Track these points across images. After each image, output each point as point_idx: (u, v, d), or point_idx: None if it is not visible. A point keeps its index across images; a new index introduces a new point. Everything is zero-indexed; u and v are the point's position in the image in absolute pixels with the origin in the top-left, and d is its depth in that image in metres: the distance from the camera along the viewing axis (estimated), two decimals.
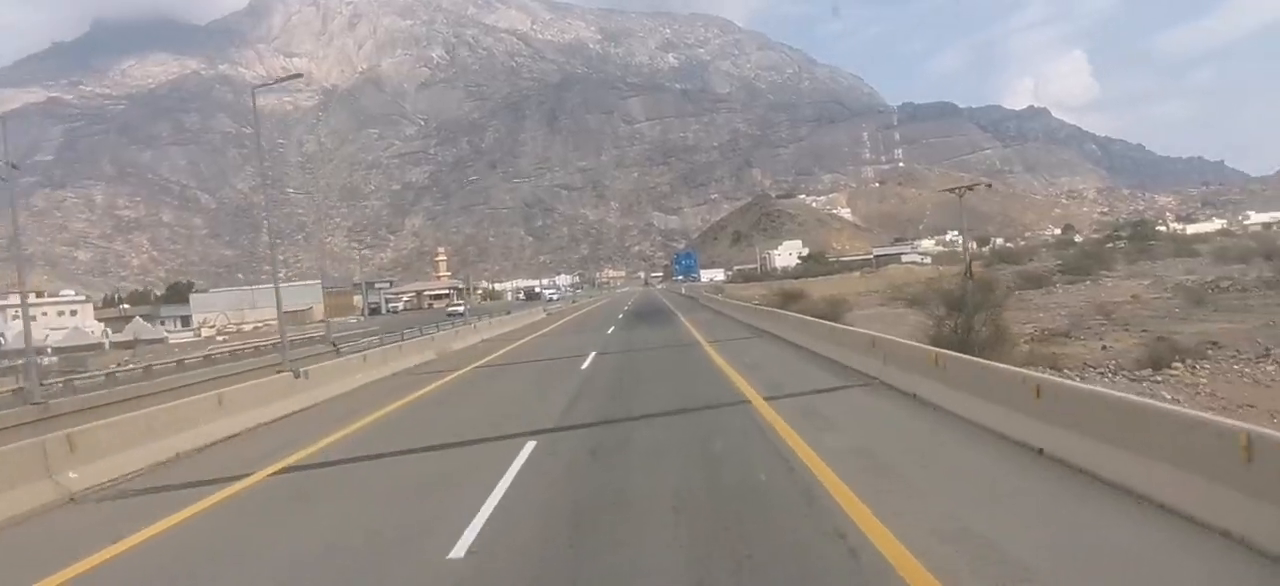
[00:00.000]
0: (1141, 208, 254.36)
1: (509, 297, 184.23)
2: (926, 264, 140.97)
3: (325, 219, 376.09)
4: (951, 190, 42.29)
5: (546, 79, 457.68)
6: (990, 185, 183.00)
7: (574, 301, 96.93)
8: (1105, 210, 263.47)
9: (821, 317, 27.77)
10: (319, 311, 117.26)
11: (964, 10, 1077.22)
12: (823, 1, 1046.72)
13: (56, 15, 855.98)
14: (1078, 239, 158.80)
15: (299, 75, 49.03)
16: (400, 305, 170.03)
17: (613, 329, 37.31)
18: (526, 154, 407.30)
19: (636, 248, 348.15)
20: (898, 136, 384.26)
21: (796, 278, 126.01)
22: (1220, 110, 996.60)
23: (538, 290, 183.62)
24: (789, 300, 49.04)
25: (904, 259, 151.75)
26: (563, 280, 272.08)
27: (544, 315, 60.30)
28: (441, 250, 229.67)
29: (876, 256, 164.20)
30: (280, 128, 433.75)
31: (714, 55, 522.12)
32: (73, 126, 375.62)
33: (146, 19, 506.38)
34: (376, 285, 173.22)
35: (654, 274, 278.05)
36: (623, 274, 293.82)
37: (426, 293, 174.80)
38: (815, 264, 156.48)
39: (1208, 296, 45.64)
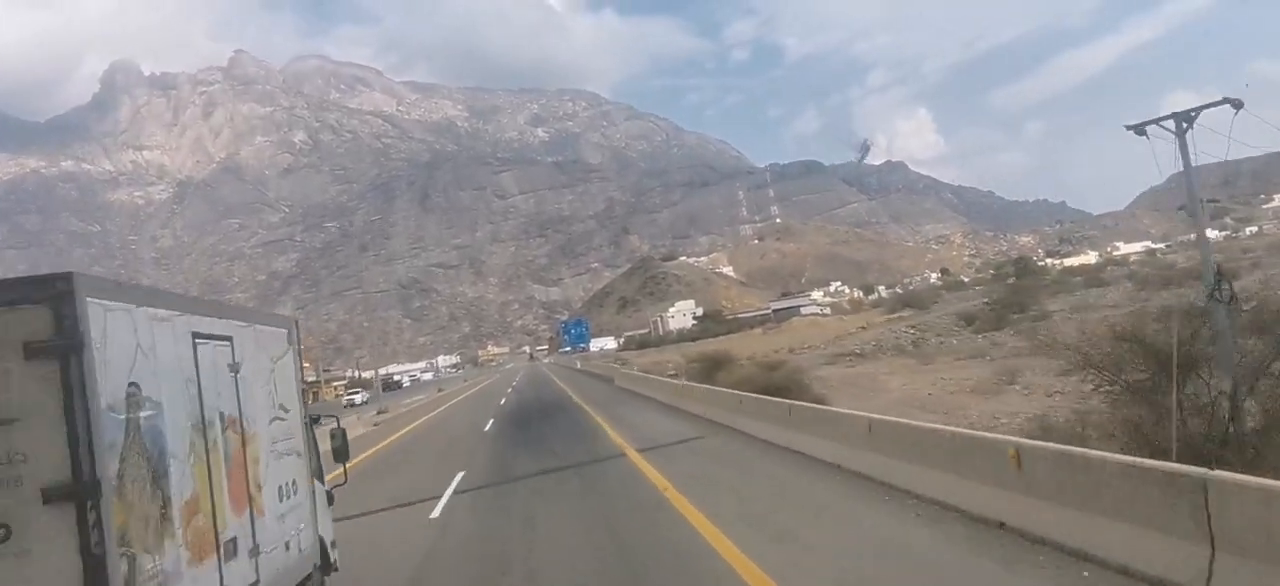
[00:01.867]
0: (1006, 247, 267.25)
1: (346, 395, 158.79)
2: (826, 314, 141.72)
3: None
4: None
5: (416, 158, 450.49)
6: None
7: (440, 388, 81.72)
8: (973, 253, 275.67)
9: (771, 392, 23.05)
10: None
11: (813, 79, 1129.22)
12: (687, 73, 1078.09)
13: None
14: (965, 280, 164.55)
15: None
16: None
17: (475, 457, 22.10)
18: (399, 234, 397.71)
19: (519, 322, 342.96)
20: (772, 194, 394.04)
21: (694, 339, 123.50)
22: (1054, 156, 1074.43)
23: (397, 377, 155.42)
24: (716, 368, 41.53)
25: (804, 311, 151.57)
26: (444, 360, 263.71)
27: (373, 421, 46.04)
28: (306, 334, 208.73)
29: (774, 310, 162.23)
30: (132, 224, 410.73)
31: (583, 127, 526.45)
32: None
33: None
34: None
35: (539, 347, 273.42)
36: (506, 350, 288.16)
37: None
38: (713, 323, 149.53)
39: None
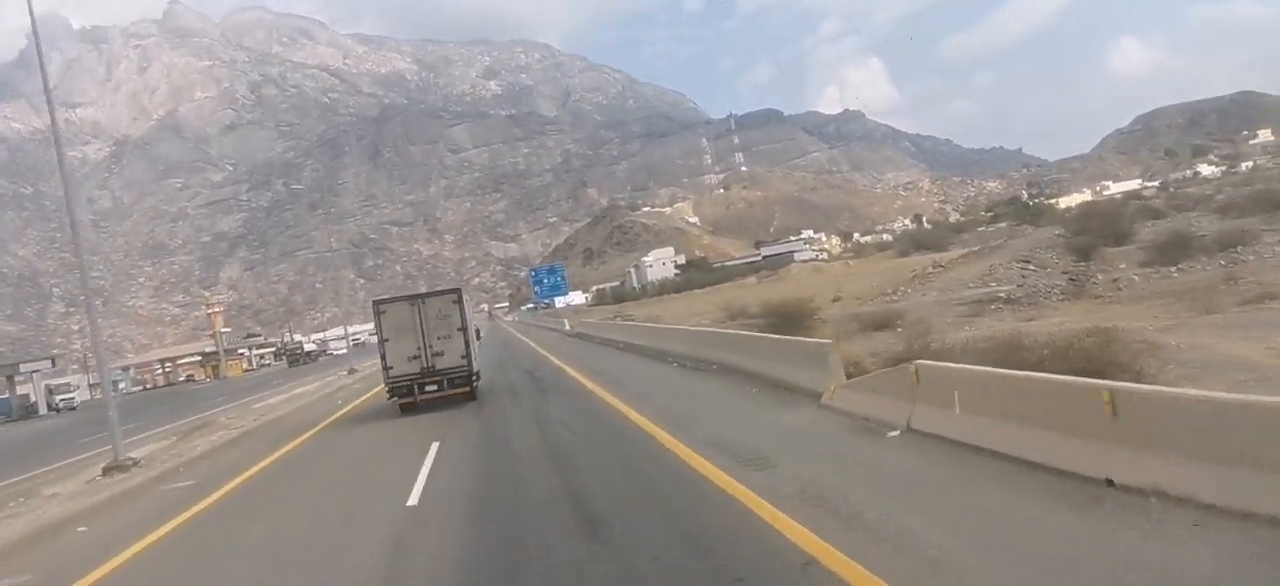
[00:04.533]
0: (973, 193, 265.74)
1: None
2: (823, 260, 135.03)
3: (127, 279, 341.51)
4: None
5: (364, 113, 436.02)
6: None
7: (351, 369, 51.52)
8: (943, 199, 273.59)
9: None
10: None
11: (765, 30, 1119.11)
12: (640, 24, 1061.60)
13: None
14: (955, 218, 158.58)
15: None
16: (123, 384, 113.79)
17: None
18: (349, 192, 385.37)
19: (476, 279, 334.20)
20: (737, 141, 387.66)
21: (678, 291, 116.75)
22: (1006, 105, 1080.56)
23: (310, 346, 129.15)
24: (790, 324, 30.66)
25: (798, 257, 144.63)
26: None
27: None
28: (215, 296, 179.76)
29: (764, 256, 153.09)
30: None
31: (537, 79, 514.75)
32: None
33: None
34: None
35: (498, 304, 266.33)
36: None
37: (180, 360, 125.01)
38: (698, 272, 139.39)
39: None
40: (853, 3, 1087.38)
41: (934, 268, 47.72)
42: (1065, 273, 35.66)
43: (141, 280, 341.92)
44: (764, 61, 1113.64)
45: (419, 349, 21.56)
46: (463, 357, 21.74)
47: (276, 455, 18.63)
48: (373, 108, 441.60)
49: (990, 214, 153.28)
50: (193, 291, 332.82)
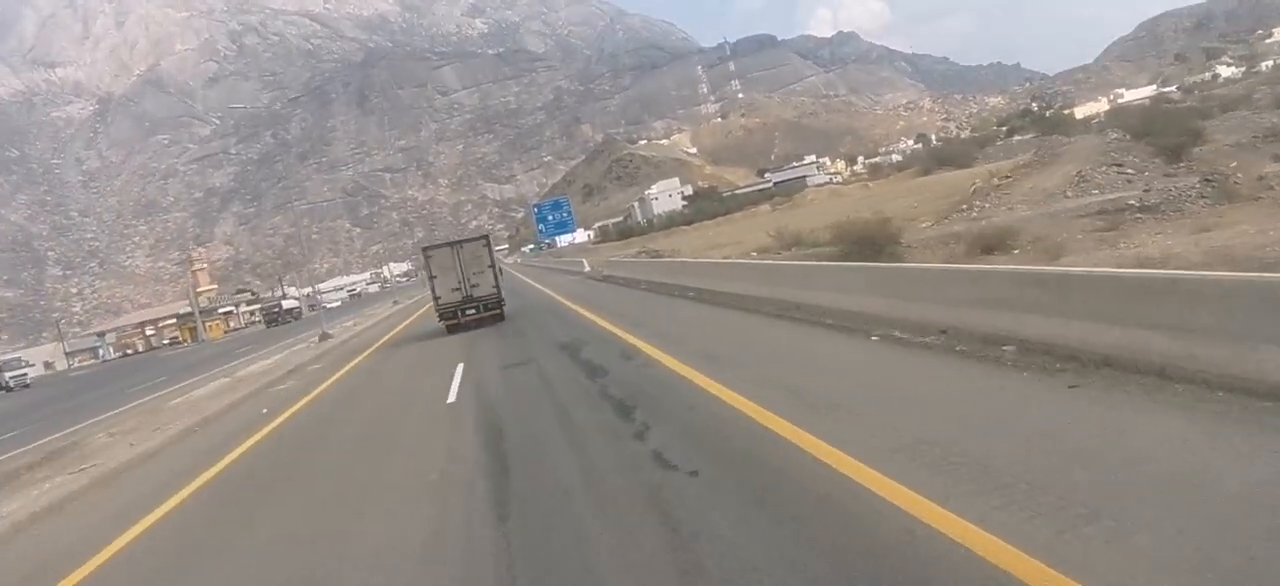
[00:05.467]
0: (976, 110, 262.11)
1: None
2: (836, 182, 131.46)
3: (121, 238, 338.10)
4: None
5: (349, 58, 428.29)
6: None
7: (324, 334, 40.00)
8: (945, 117, 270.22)
9: None
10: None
11: None
12: None
13: None
14: (962, 134, 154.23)
15: None
16: (102, 351, 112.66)
17: None
18: (339, 140, 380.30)
19: (474, 223, 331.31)
20: (733, 68, 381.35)
21: (688, 223, 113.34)
22: (1003, 18, 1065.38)
23: (290, 302, 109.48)
24: (873, 250, 27.81)
25: (812, 181, 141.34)
26: (395, 268, 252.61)
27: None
28: (198, 251, 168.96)
29: (775, 183, 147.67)
30: (53, 146, 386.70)
31: (523, 15, 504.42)
32: None
33: None
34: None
35: (497, 247, 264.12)
36: None
37: (163, 322, 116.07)
38: (708, 202, 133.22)
39: None
40: None
41: (997, 180, 45.13)
42: (1203, 175, 33.04)
43: (136, 239, 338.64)
44: None
45: (459, 282, 27.86)
46: (493, 287, 27.95)
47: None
48: (357, 52, 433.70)
49: (1004, 128, 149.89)
50: (188, 248, 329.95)
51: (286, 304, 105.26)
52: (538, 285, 46.53)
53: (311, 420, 15.38)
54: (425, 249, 29.82)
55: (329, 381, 21.09)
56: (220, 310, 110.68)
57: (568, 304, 29.05)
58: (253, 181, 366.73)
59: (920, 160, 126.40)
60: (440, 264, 28.22)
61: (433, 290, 28.48)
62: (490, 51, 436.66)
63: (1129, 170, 37.34)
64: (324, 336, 37.89)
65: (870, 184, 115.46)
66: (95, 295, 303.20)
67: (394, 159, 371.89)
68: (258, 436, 14.34)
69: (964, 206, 40.71)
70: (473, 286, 27.88)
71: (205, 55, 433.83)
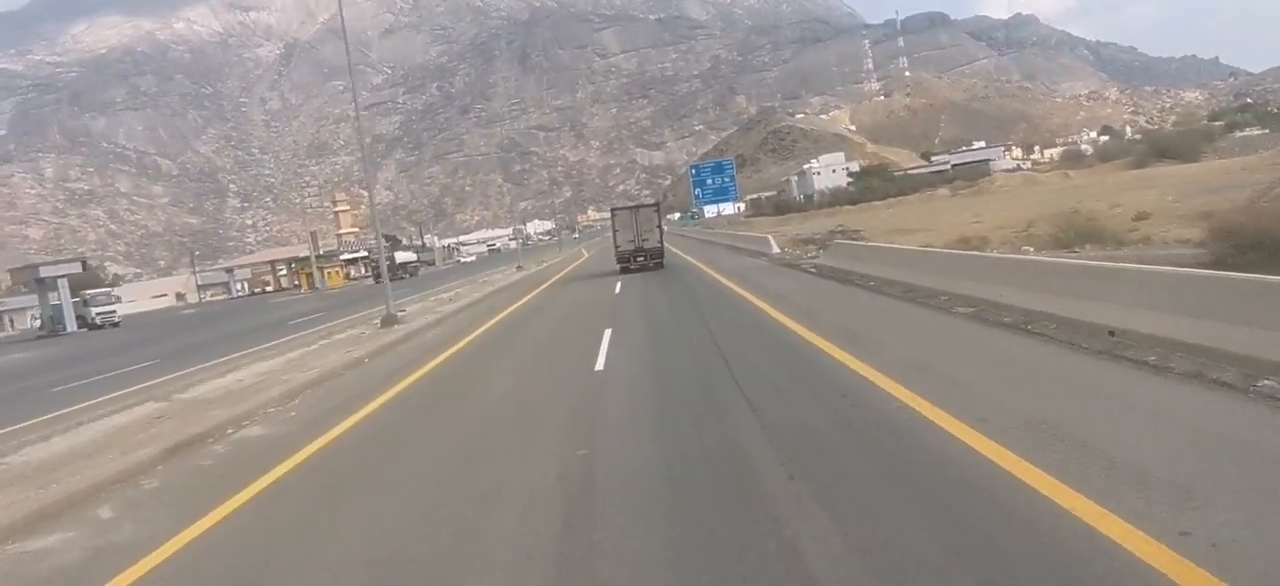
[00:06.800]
0: (1168, 104, 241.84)
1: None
2: (1027, 170, 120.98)
3: (294, 176, 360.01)
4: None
5: (515, 17, 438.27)
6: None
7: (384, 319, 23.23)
8: (1133, 110, 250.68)
9: None
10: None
11: None
12: None
13: None
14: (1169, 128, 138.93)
15: None
16: (243, 287, 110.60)
17: None
18: (499, 96, 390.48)
19: (621, 187, 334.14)
20: (902, 44, 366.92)
21: (853, 202, 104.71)
22: (1197, 9, 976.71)
23: (406, 255, 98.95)
24: None
25: (997, 167, 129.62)
26: (539, 225, 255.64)
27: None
28: (340, 196, 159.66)
29: (955, 166, 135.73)
30: (242, 85, 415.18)
31: None
32: (25, 98, 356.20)
33: None
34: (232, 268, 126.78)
35: None
36: (607, 215, 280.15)
37: (277, 264, 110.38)
38: (877, 181, 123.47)
39: None
40: None
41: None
42: None
43: (307, 179, 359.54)
44: None
45: (634, 236, 36.74)
46: (658, 243, 36.91)
47: None
48: (523, 11, 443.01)
49: (1220, 123, 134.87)
50: (353, 191, 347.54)
51: (400, 256, 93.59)
52: (720, 278, 26.80)
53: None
54: (614, 209, 40.35)
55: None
56: (342, 257, 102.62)
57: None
58: (416, 131, 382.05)
59: (1130, 152, 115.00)
60: (622, 221, 37.74)
61: (614, 240, 37.68)
62: (651, 17, 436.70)
63: None
64: (388, 320, 22.98)
65: (1070, 173, 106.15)
66: (267, 227, 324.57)
67: (549, 118, 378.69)
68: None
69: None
70: (644, 240, 36.73)
71: (383, 6, 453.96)
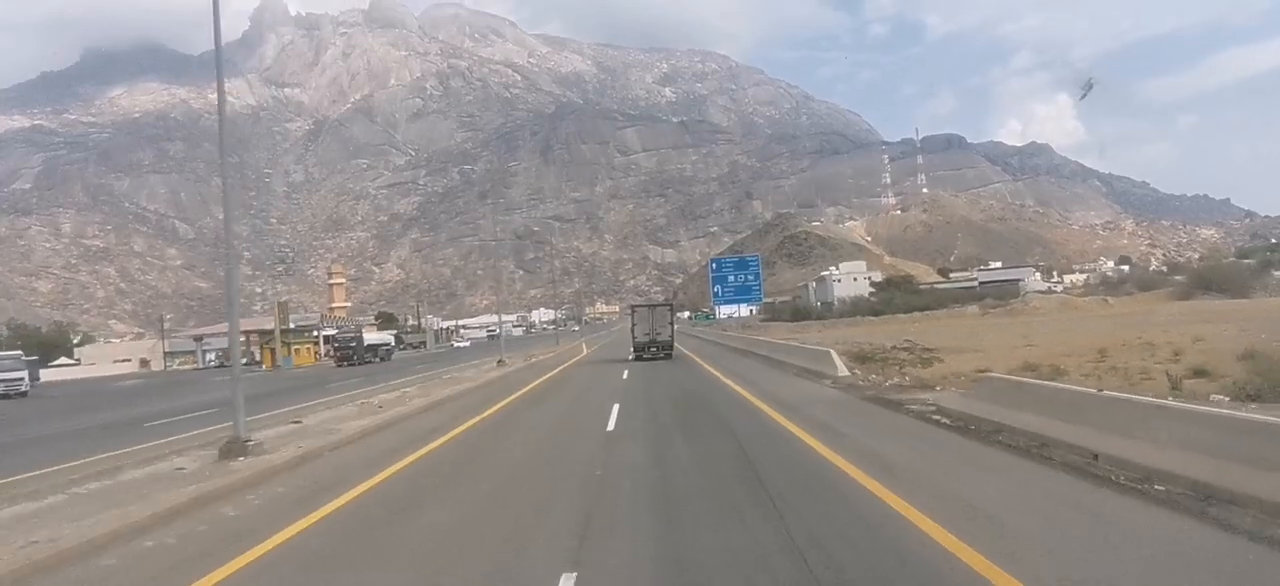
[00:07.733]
0: (1184, 240, 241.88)
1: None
2: (1059, 293, 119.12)
3: (308, 248, 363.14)
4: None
5: (541, 110, 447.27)
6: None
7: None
8: (1150, 243, 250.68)
9: None
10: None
11: (953, 58, 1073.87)
12: (818, 44, 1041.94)
13: (48, 45, 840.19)
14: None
15: None
16: (210, 357, 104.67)
17: None
18: (519, 185, 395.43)
19: (632, 282, 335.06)
20: (921, 162, 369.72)
21: (875, 313, 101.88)
22: (1210, 151, 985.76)
23: (373, 337, 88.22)
24: None
25: (1028, 287, 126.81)
26: (541, 315, 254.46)
27: None
28: (336, 268, 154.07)
29: (982, 283, 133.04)
30: (269, 157, 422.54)
31: (711, 90, 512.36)
32: (54, 154, 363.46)
33: (138, 48, 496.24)
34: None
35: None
36: (615, 309, 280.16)
37: (250, 335, 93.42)
38: (900, 293, 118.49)
39: None
40: (1050, 35, 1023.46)
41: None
42: None
43: (321, 251, 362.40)
44: (946, 90, 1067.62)
45: (649, 330, 44.29)
46: (668, 337, 44.54)
47: None
48: (550, 105, 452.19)
49: (1250, 261, 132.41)
50: (365, 266, 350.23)
51: (370, 338, 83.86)
52: (785, 423, 15.98)
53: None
54: (633, 306, 50.57)
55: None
56: (318, 333, 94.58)
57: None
58: (433, 212, 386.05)
59: (1167, 283, 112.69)
60: (640, 316, 45.71)
61: (632, 332, 45.42)
62: (674, 119, 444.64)
63: None
64: (231, 448, 14.30)
65: (1109, 300, 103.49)
66: (275, 296, 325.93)
67: (566, 209, 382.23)
68: None
69: None
70: (657, 333, 44.21)
71: (413, 92, 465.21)
